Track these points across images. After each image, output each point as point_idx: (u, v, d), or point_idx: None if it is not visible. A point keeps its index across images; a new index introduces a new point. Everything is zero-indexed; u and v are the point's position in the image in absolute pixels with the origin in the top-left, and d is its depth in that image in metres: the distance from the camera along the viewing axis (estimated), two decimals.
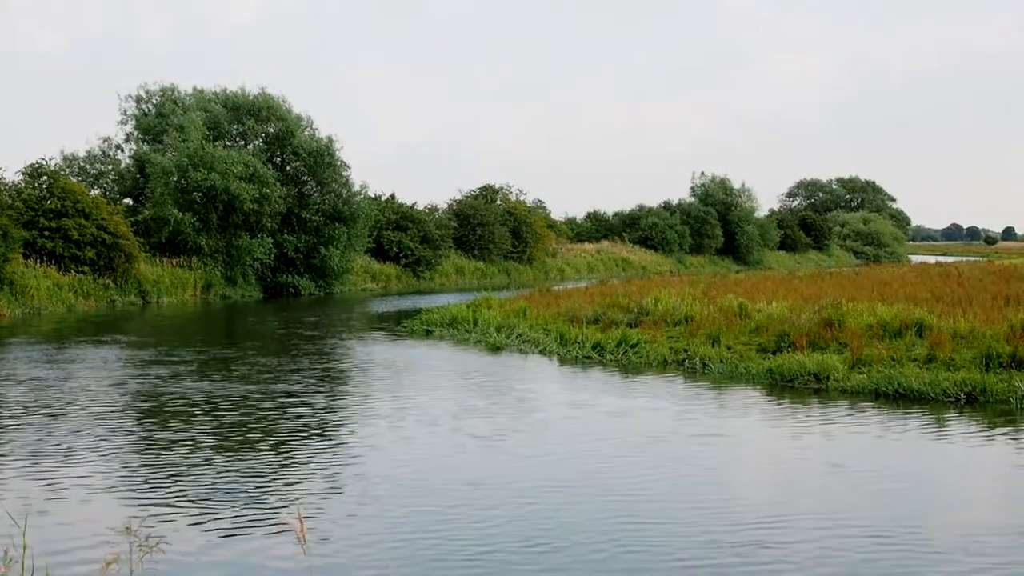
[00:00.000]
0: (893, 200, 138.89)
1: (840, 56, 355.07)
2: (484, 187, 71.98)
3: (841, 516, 9.37)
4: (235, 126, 49.14)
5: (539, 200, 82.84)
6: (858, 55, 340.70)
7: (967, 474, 11.58)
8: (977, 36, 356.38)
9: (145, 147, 47.59)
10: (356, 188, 50.23)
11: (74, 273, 37.13)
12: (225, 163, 43.74)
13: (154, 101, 50.19)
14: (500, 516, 9.29)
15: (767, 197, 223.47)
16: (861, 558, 8.11)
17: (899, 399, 15.49)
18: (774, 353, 18.84)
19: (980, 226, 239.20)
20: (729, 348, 19.94)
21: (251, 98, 49.25)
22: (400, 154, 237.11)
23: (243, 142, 49.13)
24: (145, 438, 12.85)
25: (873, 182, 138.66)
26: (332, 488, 10.31)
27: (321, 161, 48.86)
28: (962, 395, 15.29)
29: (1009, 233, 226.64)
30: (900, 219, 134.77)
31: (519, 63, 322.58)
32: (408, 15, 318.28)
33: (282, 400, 15.75)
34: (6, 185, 37.14)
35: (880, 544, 8.48)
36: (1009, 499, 10.34)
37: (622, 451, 12.22)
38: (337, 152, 49.64)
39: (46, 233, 36.97)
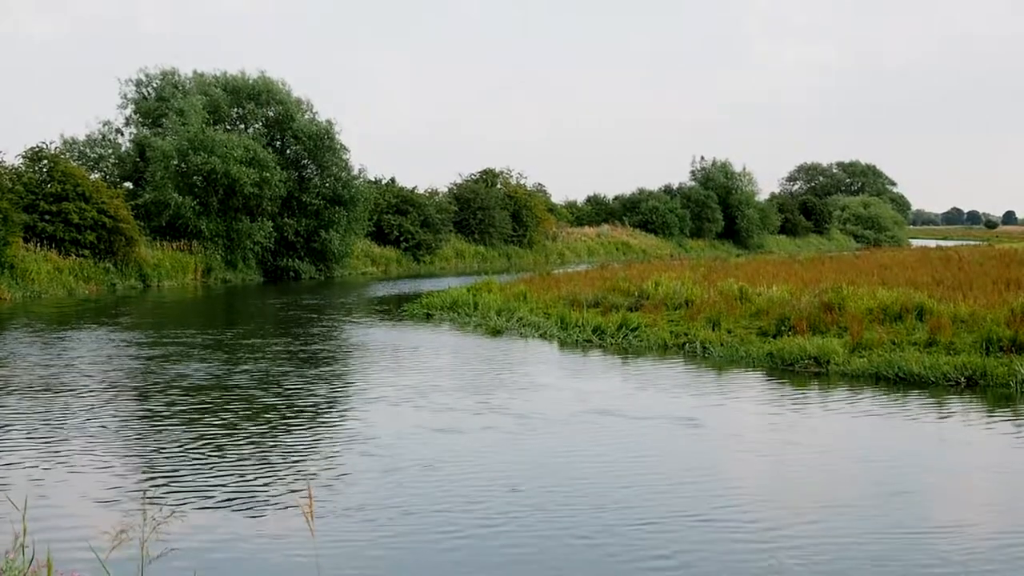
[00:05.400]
0: (893, 184, 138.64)
1: (839, 41, 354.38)
2: (484, 171, 71.82)
3: (841, 501, 9.40)
4: (235, 110, 49.04)
5: (539, 184, 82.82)
6: (857, 40, 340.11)
7: (966, 457, 11.58)
8: (976, 21, 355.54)
9: (145, 131, 47.51)
10: (355, 172, 50.21)
11: (74, 257, 37.08)
12: (225, 147, 43.68)
13: (154, 85, 50.10)
14: (497, 503, 9.30)
15: (767, 181, 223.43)
16: (859, 542, 8.13)
17: (899, 383, 15.50)
18: (774, 337, 18.83)
19: (981, 210, 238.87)
20: (729, 332, 19.93)
21: (251, 82, 49.14)
22: (400, 139, 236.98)
23: (243, 126, 49.05)
24: (143, 420, 12.86)
25: (873, 166, 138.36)
26: (335, 471, 10.32)
27: (321, 144, 48.78)
28: (962, 379, 15.29)
29: (1010, 217, 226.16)
30: (900, 203, 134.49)
31: (520, 47, 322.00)
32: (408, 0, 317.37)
33: (281, 383, 15.76)
34: (6, 169, 37.03)
35: (879, 528, 8.50)
36: (1006, 483, 10.34)
37: (619, 435, 12.23)
38: (336, 136, 49.63)
39: (46, 217, 36.91)
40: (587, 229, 79.34)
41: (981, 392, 14.77)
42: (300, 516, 8.33)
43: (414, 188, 60.42)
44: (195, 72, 49.98)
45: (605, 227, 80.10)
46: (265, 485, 9.76)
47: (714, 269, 32.46)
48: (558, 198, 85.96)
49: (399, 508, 8.98)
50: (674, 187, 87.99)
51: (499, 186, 70.12)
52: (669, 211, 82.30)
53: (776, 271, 29.70)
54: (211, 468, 10.36)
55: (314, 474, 10.18)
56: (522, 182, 73.85)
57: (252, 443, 11.54)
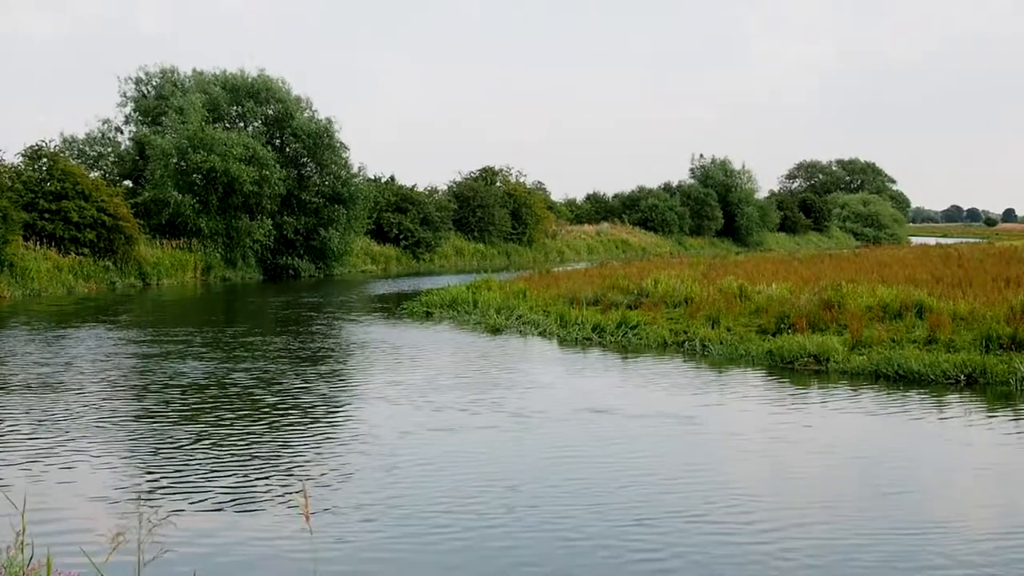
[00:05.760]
0: (893, 182, 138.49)
1: (839, 40, 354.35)
2: (484, 169, 71.84)
3: (841, 501, 9.39)
4: (235, 108, 49.06)
5: (539, 182, 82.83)
6: (857, 39, 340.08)
7: (966, 457, 11.56)
8: (976, 20, 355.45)
9: (145, 129, 47.55)
10: (355, 170, 50.20)
11: (74, 255, 37.10)
12: (225, 145, 43.69)
13: (154, 83, 50.16)
14: (497, 503, 9.29)
15: (767, 179, 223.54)
16: (859, 542, 8.12)
17: (899, 381, 15.48)
18: (774, 335, 18.83)
19: (980, 207, 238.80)
20: (729, 330, 19.93)
21: (250, 80, 49.16)
22: (400, 138, 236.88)
23: (242, 124, 49.06)
24: (143, 418, 12.84)
25: (873, 164, 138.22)
26: (334, 471, 10.31)
27: (320, 143, 48.80)
28: (962, 377, 15.27)
29: (1009, 215, 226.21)
30: (900, 200, 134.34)
31: (520, 47, 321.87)
32: None
33: (281, 382, 15.74)
34: (6, 167, 37.03)
35: (879, 528, 8.49)
36: (1006, 483, 10.33)
37: (618, 434, 12.22)
38: (336, 134, 49.64)
39: (46, 215, 36.92)
40: (586, 227, 79.37)
41: (981, 390, 14.76)
42: (299, 516, 8.32)
43: (413, 186, 60.45)
44: (194, 70, 50.08)
45: (604, 225, 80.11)
46: (264, 485, 9.75)
47: (713, 267, 32.44)
48: (558, 196, 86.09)
49: (398, 508, 8.97)
50: (673, 185, 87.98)
51: (499, 184, 70.12)
52: (668, 209, 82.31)
53: (775, 269, 29.69)
54: (210, 468, 10.35)
55: (313, 473, 10.16)
56: (521, 180, 73.92)
57: (252, 442, 11.53)
